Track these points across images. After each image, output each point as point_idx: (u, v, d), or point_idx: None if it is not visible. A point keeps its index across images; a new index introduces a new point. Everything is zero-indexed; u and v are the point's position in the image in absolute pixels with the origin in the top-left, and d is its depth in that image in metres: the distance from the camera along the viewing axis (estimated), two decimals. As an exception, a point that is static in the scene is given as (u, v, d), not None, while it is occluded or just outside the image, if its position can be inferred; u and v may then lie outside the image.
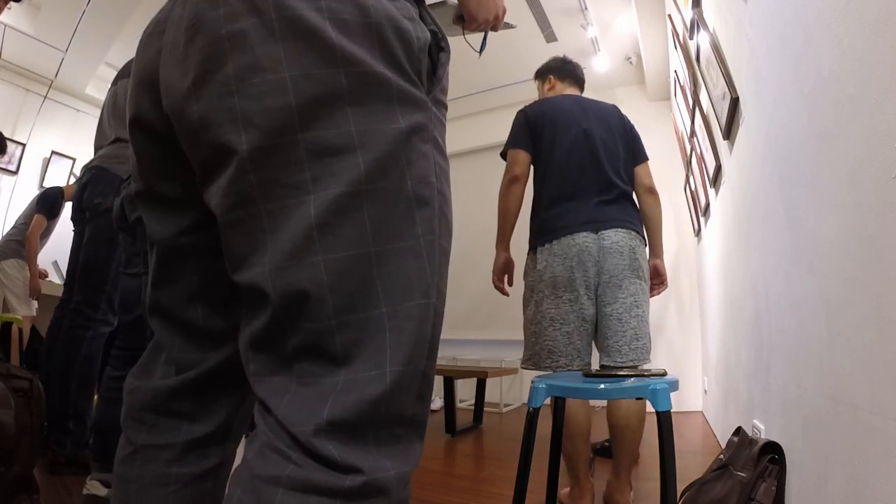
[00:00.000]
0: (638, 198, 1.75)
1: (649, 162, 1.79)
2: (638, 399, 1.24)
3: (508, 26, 0.83)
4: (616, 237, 1.57)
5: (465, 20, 0.75)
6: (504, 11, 0.77)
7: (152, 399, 0.59)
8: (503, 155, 1.78)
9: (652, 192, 1.75)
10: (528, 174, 1.74)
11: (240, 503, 0.41)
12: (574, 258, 1.56)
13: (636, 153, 1.76)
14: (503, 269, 1.78)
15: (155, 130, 0.53)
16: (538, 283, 1.63)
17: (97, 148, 1.94)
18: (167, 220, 0.57)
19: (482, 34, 0.80)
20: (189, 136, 0.47)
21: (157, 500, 0.56)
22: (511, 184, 1.72)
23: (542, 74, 1.98)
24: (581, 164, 1.65)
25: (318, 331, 0.44)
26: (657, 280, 1.77)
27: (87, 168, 1.90)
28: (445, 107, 0.54)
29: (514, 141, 1.75)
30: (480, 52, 0.83)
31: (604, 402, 1.71)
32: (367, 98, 0.45)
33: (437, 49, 0.53)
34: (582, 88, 1.93)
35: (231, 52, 0.43)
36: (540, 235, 1.67)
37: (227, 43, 0.43)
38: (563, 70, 1.94)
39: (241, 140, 0.43)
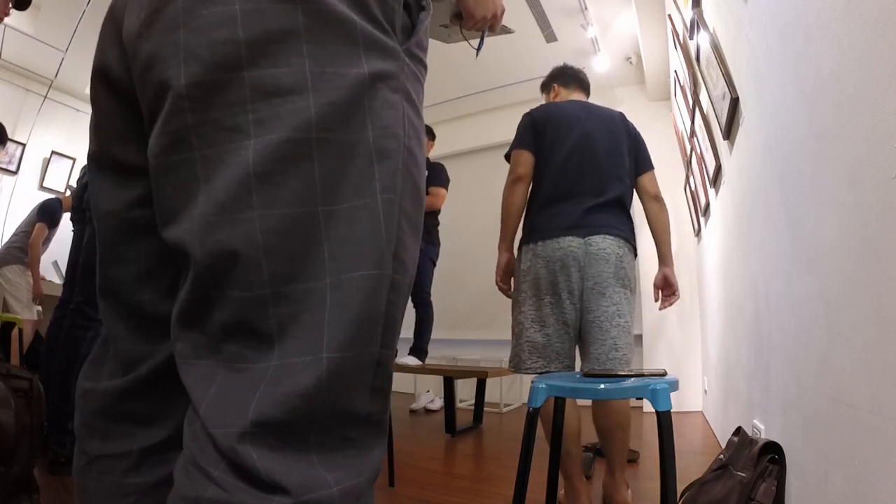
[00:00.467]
0: (644, 206, 1.75)
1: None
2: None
3: (506, 31, 0.82)
4: (604, 244, 1.57)
5: (462, 18, 0.74)
6: (503, 11, 0.74)
7: (103, 402, 0.54)
8: (507, 157, 1.78)
9: (658, 199, 1.74)
10: (531, 175, 1.73)
11: None
12: (558, 262, 1.56)
13: (641, 161, 1.75)
14: (506, 270, 1.77)
15: (118, 84, 0.48)
16: (521, 283, 1.64)
17: None
18: (118, 189, 0.51)
19: (479, 34, 0.79)
20: (139, 79, 0.43)
21: None
22: (514, 184, 1.72)
23: (545, 86, 2.00)
24: (579, 167, 1.65)
25: (249, 302, 0.38)
26: (668, 291, 1.74)
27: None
28: (424, 65, 0.49)
29: (519, 142, 1.75)
30: (478, 51, 0.82)
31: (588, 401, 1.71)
32: (327, 38, 0.40)
33: (418, 7, 0.49)
34: (587, 92, 1.94)
35: None
36: (527, 234, 1.67)
37: None
38: (566, 76, 1.95)
39: (179, 74, 0.38)
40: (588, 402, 1.67)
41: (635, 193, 1.77)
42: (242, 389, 0.37)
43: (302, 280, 0.38)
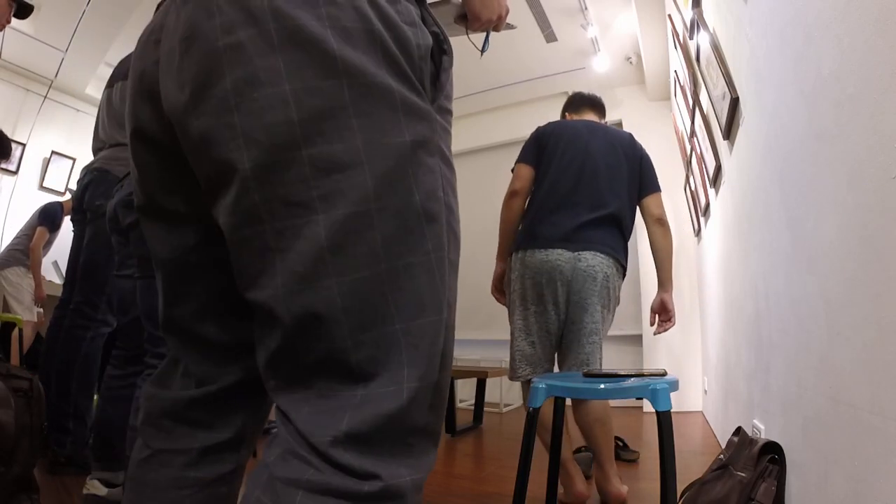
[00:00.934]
0: (647, 229, 1.76)
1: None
2: None
3: (509, 27, 0.82)
4: (593, 261, 1.59)
5: (467, 19, 0.74)
6: (507, 11, 0.76)
7: (171, 406, 0.59)
8: (513, 171, 1.82)
9: (662, 223, 1.73)
10: (529, 189, 1.77)
11: (258, 503, 0.41)
12: (545, 275, 1.59)
13: (646, 184, 1.76)
14: (501, 281, 1.82)
15: (156, 142, 0.52)
16: (511, 293, 1.68)
17: (95, 150, 1.94)
18: (171, 237, 0.56)
19: (484, 34, 0.79)
20: (192, 151, 0.47)
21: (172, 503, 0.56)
22: (511, 197, 1.76)
23: (564, 112, 2.03)
24: (577, 179, 1.67)
25: (334, 350, 0.43)
26: (665, 316, 1.76)
27: (89, 170, 1.90)
28: (450, 113, 0.53)
29: (521, 156, 1.79)
30: (482, 52, 0.82)
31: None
32: (372, 109, 0.43)
33: (440, 52, 0.51)
34: (600, 112, 1.95)
35: (228, 66, 0.42)
36: (518, 241, 1.70)
37: (224, 56, 0.42)
38: (575, 103, 1.97)
39: (242, 158, 0.42)
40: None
41: (639, 215, 1.78)
42: (332, 410, 0.43)
43: (375, 328, 0.43)
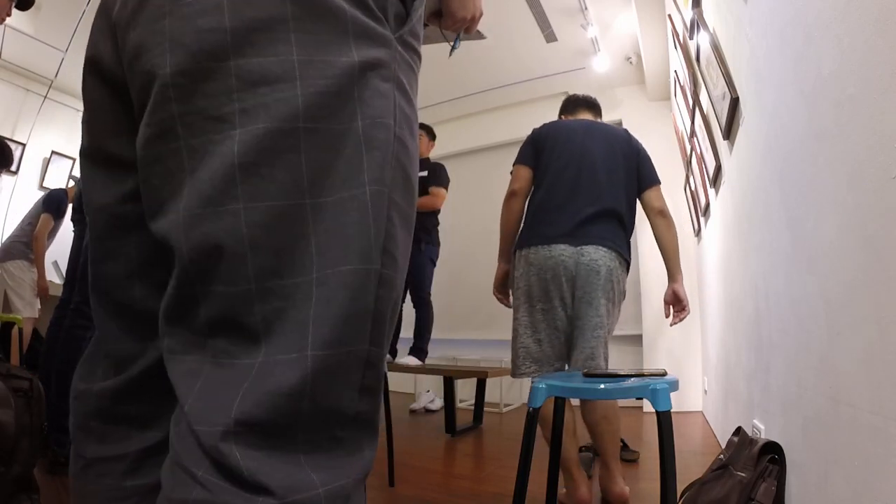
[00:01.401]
0: (650, 222, 1.75)
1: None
2: None
3: (479, 36, 0.81)
4: (595, 254, 1.58)
5: (442, 16, 0.72)
6: (481, 14, 0.74)
7: (97, 404, 0.52)
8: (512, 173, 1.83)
9: (664, 215, 1.73)
10: (528, 189, 1.77)
11: None
12: (549, 271, 1.59)
13: (644, 177, 1.75)
14: (503, 281, 1.82)
15: (111, 76, 0.47)
16: (516, 290, 1.68)
17: None
18: (110, 183, 0.50)
19: (455, 34, 0.78)
20: (128, 70, 0.42)
21: None
22: (510, 198, 1.76)
23: (559, 115, 2.03)
24: (576, 176, 1.67)
25: (234, 298, 0.37)
26: (678, 307, 1.74)
27: None
28: (418, 54, 0.48)
29: (519, 158, 1.79)
30: (452, 51, 0.81)
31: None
32: (316, 26, 0.39)
33: None
34: (595, 112, 1.95)
35: None
36: (521, 240, 1.70)
37: None
38: (571, 104, 1.97)
39: (165, 63, 0.37)
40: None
41: (641, 210, 1.78)
42: (227, 386, 0.36)
43: (287, 275, 0.37)
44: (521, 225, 1.76)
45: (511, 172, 1.82)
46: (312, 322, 0.37)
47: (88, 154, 0.52)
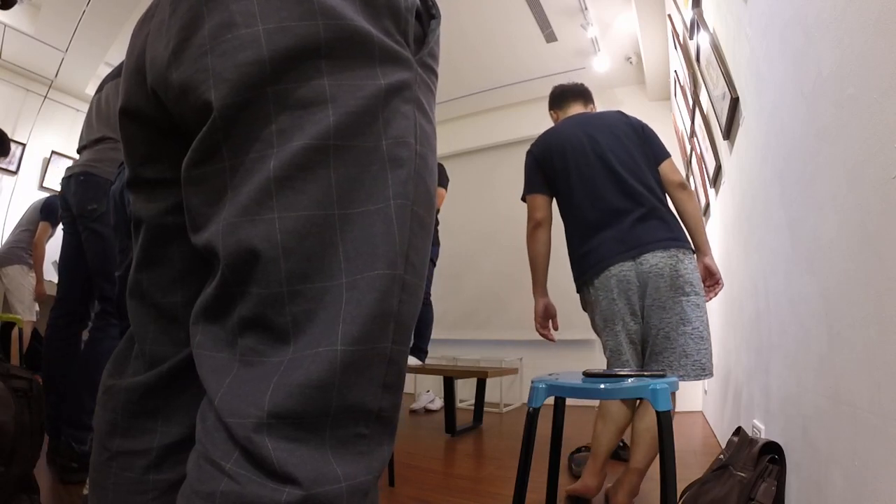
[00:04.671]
0: (670, 196, 1.67)
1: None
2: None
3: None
4: (654, 260, 1.52)
5: None
6: None
7: (126, 399, 0.55)
8: (524, 199, 1.78)
9: (684, 187, 1.66)
10: (551, 216, 1.72)
11: None
12: (614, 290, 1.54)
13: (655, 153, 1.69)
14: (544, 316, 1.76)
15: (140, 114, 0.52)
16: (594, 315, 1.63)
17: (79, 150, 1.95)
18: (152, 201, 0.55)
19: None
20: (175, 105, 0.45)
21: None
22: (535, 230, 1.71)
23: (549, 109, 1.99)
24: (602, 187, 1.61)
25: (266, 299, 0.40)
26: (711, 281, 1.67)
27: (73, 175, 1.90)
28: (435, 74, 0.51)
29: (529, 186, 1.74)
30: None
31: (596, 402, 1.70)
32: (346, 53, 0.42)
33: (428, 16, 0.50)
34: (587, 99, 1.90)
35: (208, 14, 0.42)
36: (581, 275, 1.64)
37: (206, 6, 0.42)
38: (557, 98, 1.93)
39: (211, 97, 0.41)
40: (591, 403, 1.66)
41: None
42: (258, 381, 0.38)
43: (318, 279, 0.39)
44: (571, 256, 1.69)
45: (524, 200, 1.76)
46: (342, 321, 0.39)
47: (132, 184, 0.57)
